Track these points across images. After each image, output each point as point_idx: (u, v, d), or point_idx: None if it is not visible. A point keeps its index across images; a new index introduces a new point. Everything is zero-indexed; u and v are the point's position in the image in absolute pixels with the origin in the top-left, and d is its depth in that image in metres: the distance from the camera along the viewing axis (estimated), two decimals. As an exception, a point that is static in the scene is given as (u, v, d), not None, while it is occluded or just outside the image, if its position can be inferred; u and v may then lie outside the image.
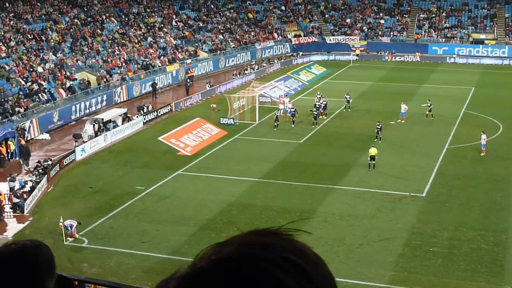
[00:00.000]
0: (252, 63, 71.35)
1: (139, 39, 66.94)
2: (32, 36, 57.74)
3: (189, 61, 66.46)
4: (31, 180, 35.21)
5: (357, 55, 76.51)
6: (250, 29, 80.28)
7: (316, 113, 47.63)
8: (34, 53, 55.25)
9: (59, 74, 53.14)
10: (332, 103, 51.15)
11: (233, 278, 1.41)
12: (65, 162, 39.31)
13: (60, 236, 28.20)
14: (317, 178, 35.97)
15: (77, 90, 52.44)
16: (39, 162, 38.31)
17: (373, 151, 37.45)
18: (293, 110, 47.62)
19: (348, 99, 51.87)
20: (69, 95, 51.22)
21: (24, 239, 2.07)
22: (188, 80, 62.01)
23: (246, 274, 1.41)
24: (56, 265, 2.03)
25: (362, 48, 78.61)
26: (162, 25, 72.72)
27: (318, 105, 48.56)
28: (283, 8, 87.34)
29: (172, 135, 43.74)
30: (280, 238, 1.49)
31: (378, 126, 43.57)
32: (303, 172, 37.19)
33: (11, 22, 58.73)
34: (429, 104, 48.83)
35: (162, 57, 65.23)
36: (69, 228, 28.66)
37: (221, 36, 76.06)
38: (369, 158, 37.43)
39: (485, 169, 37.48)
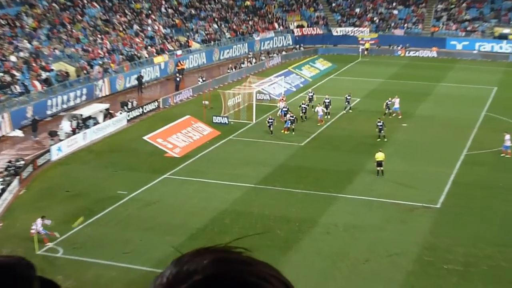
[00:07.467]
0: (249, 56, 71.55)
1: (124, 26, 67.05)
2: (5, 21, 57.80)
3: (179, 52, 66.62)
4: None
5: (367, 49, 76.76)
6: (248, 18, 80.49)
7: (304, 110, 48.73)
8: (7, 40, 55.32)
9: (34, 64, 53.23)
10: (336, 102, 51.26)
11: None
12: (39, 163, 39.40)
13: (32, 244, 28.30)
14: (319, 185, 36.11)
15: (54, 82, 52.53)
16: (10, 162, 38.40)
17: (380, 156, 37.58)
18: (286, 109, 48.07)
19: (348, 99, 51.93)
20: (44, 87, 51.30)
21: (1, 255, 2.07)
22: (178, 74, 62.06)
23: None
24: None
25: (372, 42, 78.89)
26: (149, 12, 72.85)
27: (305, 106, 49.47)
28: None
29: (159, 134, 43.87)
30: (237, 254, 1.53)
31: (379, 124, 43.81)
32: (304, 178, 37.32)
33: (-18, 5, 58.85)
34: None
35: (149, 47, 65.35)
36: (42, 231, 28.86)
37: (215, 25, 76.24)
38: (376, 164, 37.62)
39: (507, 178, 37.61)
